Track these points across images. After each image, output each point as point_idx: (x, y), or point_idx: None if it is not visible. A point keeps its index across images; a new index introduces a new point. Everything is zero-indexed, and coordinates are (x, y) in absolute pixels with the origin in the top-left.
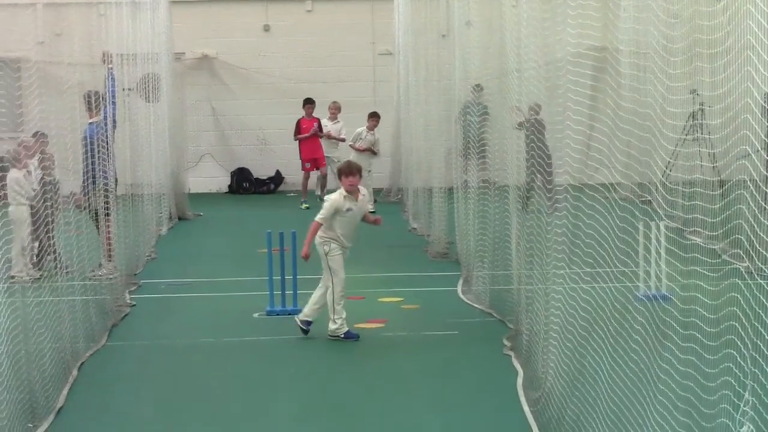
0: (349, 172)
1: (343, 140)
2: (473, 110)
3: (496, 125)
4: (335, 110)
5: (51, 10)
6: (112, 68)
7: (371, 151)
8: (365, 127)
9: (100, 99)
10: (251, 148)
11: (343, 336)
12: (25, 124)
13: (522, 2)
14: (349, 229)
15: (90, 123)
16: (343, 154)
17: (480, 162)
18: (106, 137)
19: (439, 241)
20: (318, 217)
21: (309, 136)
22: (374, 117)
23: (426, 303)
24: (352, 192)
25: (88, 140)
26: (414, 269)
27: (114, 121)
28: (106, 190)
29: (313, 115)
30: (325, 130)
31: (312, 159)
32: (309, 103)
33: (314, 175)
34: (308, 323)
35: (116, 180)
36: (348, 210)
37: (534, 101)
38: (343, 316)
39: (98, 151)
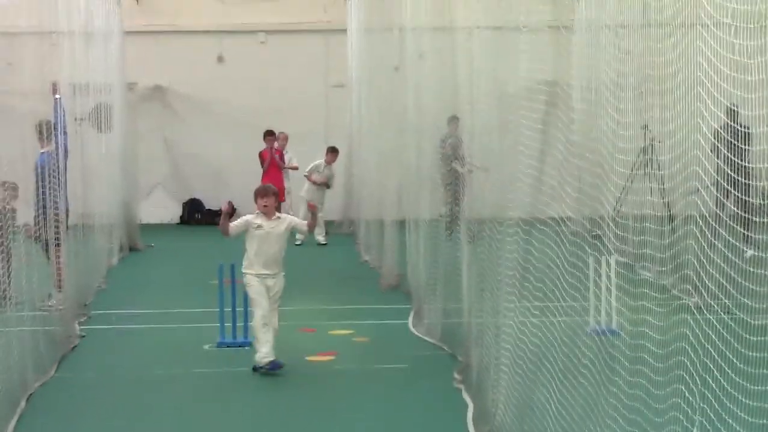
0: (264, 194)
1: (295, 168)
2: (450, 142)
3: (448, 158)
4: (284, 140)
5: (2, 39)
6: (59, 98)
7: (326, 185)
8: (323, 161)
9: (52, 128)
10: (204, 179)
11: (269, 367)
12: None
13: (474, 35)
14: (264, 252)
15: (42, 152)
16: (295, 184)
17: (450, 194)
18: (58, 167)
19: (390, 274)
20: (231, 224)
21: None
22: (333, 152)
23: (377, 336)
24: (266, 213)
25: (39, 169)
26: (365, 301)
27: (66, 151)
28: (57, 220)
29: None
30: (315, 176)
31: None
32: (269, 134)
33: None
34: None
35: (68, 210)
36: (258, 227)
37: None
38: (264, 349)
39: (49, 181)
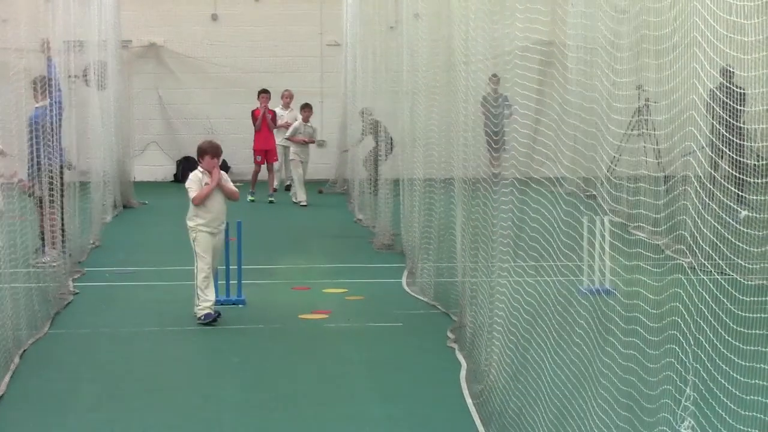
0: (214, 153)
1: (313, 142)
2: (492, 102)
3: (443, 117)
4: (288, 98)
5: None
6: (50, 56)
7: (312, 142)
8: (300, 120)
9: (46, 84)
10: (198, 137)
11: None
12: None
13: None
14: (213, 210)
15: (36, 107)
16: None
17: (497, 156)
18: (53, 122)
19: (384, 233)
20: (194, 195)
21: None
22: (307, 108)
23: (370, 294)
24: (210, 170)
25: (34, 124)
26: (359, 261)
27: (60, 106)
28: (51, 176)
29: (268, 106)
30: (280, 120)
31: (263, 151)
32: (263, 92)
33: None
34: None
35: (62, 166)
36: (206, 185)
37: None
38: (210, 300)
39: (43, 137)
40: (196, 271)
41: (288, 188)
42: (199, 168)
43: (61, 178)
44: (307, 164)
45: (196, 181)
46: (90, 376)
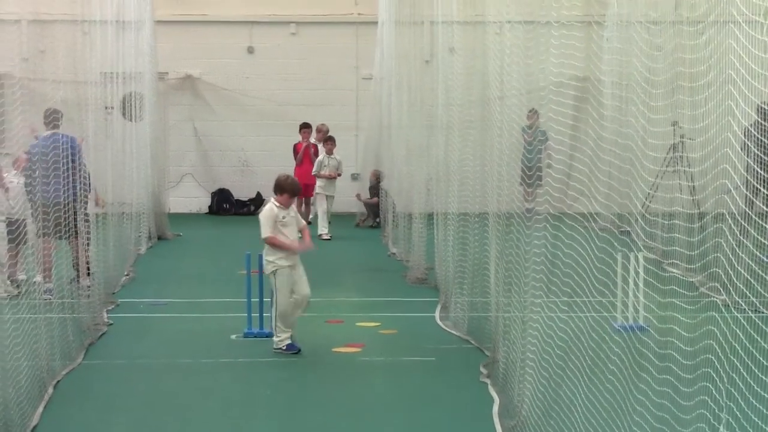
0: (295, 193)
1: (339, 175)
2: (527, 136)
3: (477, 152)
4: (331, 145)
5: (35, 27)
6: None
7: (338, 175)
8: (324, 154)
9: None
10: (233, 169)
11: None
12: (7, 140)
13: (505, 30)
14: (291, 237)
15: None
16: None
17: (531, 191)
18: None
19: (418, 267)
20: (268, 234)
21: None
22: (330, 141)
23: (404, 328)
24: (286, 205)
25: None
26: (392, 294)
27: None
28: (66, 208)
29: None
30: (324, 171)
31: (303, 185)
32: (305, 127)
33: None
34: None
35: (75, 197)
36: (284, 218)
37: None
38: (285, 334)
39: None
40: (274, 304)
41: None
42: (274, 201)
43: (75, 209)
44: (333, 198)
45: (270, 217)
46: (123, 406)
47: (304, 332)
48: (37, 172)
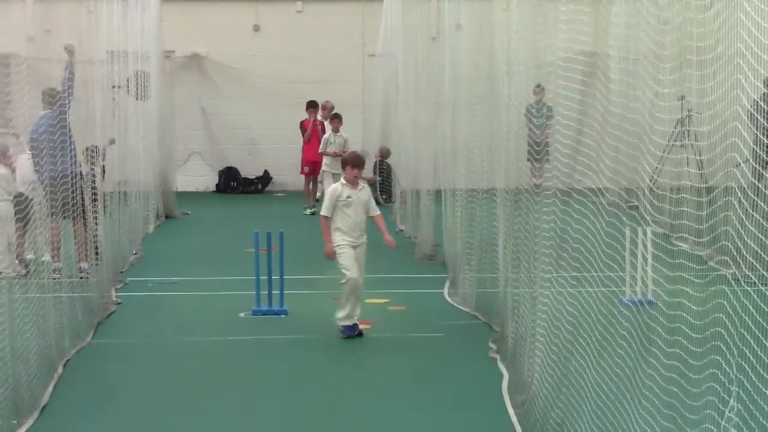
0: (357, 163)
1: (338, 154)
2: (534, 112)
3: (484, 128)
4: (337, 123)
5: (41, 6)
6: (72, 63)
7: (343, 152)
8: (330, 131)
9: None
10: (239, 148)
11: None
12: (14, 119)
13: (513, 6)
14: (354, 219)
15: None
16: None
17: (539, 167)
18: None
19: (426, 243)
20: (322, 212)
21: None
22: (337, 119)
23: (412, 305)
24: (353, 183)
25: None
26: (401, 271)
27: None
28: (66, 186)
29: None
30: (330, 148)
31: (312, 162)
32: (312, 105)
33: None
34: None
35: (75, 174)
36: (348, 197)
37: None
38: (349, 311)
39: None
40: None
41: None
42: (342, 178)
43: (77, 187)
44: (340, 176)
45: (330, 195)
46: (132, 385)
47: (312, 310)
48: (44, 152)
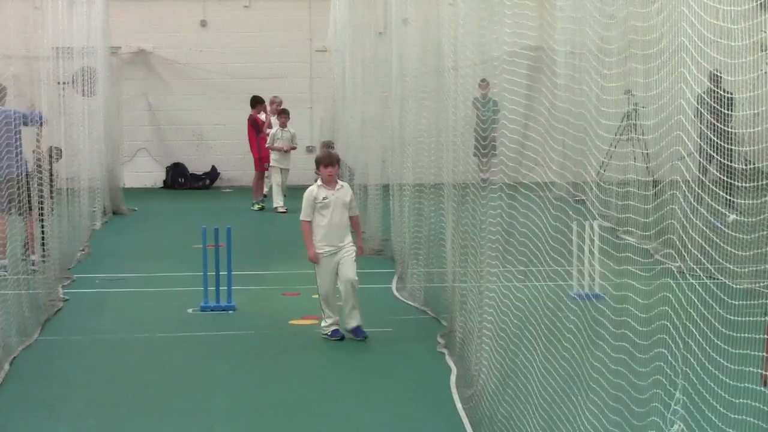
0: (329, 162)
1: (294, 148)
2: (480, 106)
3: (432, 123)
4: (285, 118)
5: None
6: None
7: (293, 148)
8: (277, 127)
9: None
10: (187, 143)
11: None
12: None
13: (459, 0)
14: (330, 222)
15: None
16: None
17: (485, 161)
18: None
19: (374, 238)
20: (301, 217)
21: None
22: (284, 113)
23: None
24: (329, 183)
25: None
26: None
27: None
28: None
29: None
30: (278, 143)
31: (267, 156)
32: (260, 102)
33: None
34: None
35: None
36: (324, 198)
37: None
38: (330, 320)
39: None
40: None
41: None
42: (317, 180)
43: (27, 184)
44: (288, 171)
45: (307, 198)
46: (80, 382)
47: (260, 305)
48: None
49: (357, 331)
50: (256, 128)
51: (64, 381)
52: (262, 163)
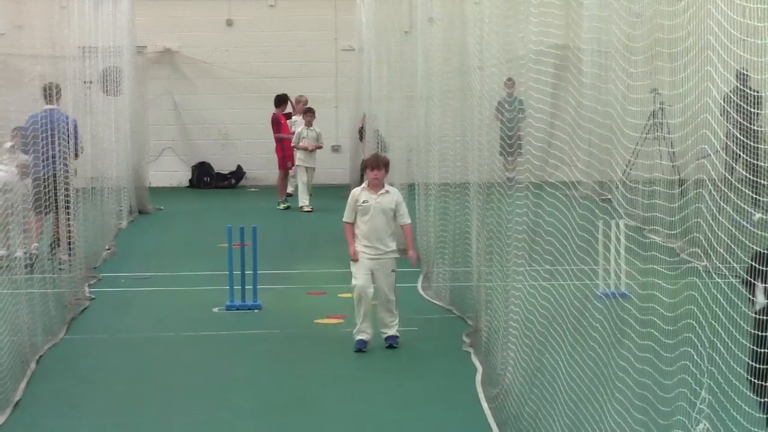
0: (375, 164)
1: (320, 147)
2: (506, 106)
3: (457, 122)
4: (311, 117)
5: (11, 2)
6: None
7: (318, 147)
8: (303, 126)
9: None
10: (212, 143)
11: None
12: None
13: None
14: (371, 227)
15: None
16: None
17: (511, 160)
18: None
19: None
20: (344, 218)
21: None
22: (310, 113)
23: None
24: (374, 186)
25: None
26: None
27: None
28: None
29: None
30: (304, 142)
31: (292, 156)
32: (284, 101)
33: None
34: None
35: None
36: (364, 202)
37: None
38: (358, 324)
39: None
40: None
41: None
42: (365, 182)
43: (55, 184)
44: (314, 170)
45: (349, 200)
46: (105, 381)
47: (286, 304)
48: (32, 148)
49: (388, 339)
50: (276, 127)
51: (88, 379)
52: (285, 162)
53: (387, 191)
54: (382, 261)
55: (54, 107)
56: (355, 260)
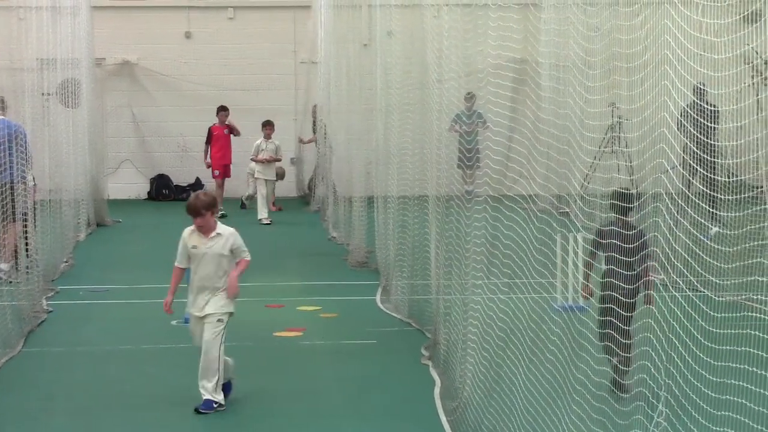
0: (194, 212)
1: (278, 160)
2: (465, 119)
3: (416, 135)
4: (270, 129)
5: None
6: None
7: (277, 159)
8: (262, 138)
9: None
10: (171, 155)
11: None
12: None
13: (443, 13)
14: (201, 274)
15: None
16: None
17: (470, 174)
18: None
19: (358, 250)
20: (176, 262)
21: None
22: (269, 125)
23: (345, 312)
24: (202, 230)
25: None
26: (333, 278)
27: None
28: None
29: (227, 122)
30: (262, 154)
31: (222, 166)
32: (223, 110)
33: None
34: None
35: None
36: (193, 247)
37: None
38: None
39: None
40: None
41: (242, 206)
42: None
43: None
44: (274, 182)
45: (180, 242)
46: (64, 394)
47: (244, 317)
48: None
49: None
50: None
51: (46, 393)
52: (212, 171)
53: (218, 234)
54: (206, 322)
55: (3, 117)
56: (165, 306)
